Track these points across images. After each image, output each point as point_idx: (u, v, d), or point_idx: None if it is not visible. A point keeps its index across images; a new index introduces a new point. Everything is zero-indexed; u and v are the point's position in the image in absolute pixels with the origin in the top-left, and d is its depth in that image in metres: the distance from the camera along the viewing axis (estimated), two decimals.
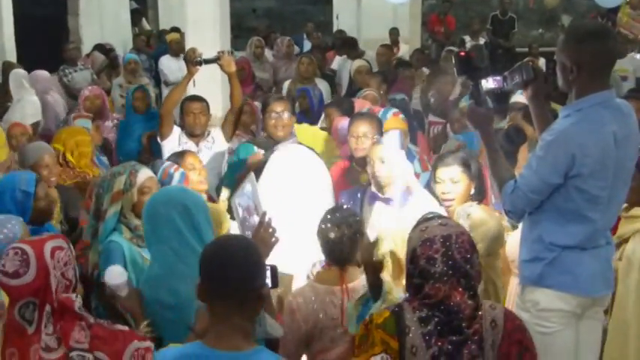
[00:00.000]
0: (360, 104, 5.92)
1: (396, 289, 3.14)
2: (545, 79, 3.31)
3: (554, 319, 3.10)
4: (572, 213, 3.05)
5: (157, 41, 12.53)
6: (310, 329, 3.30)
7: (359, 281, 3.36)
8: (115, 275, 3.10)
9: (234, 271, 2.30)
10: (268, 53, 10.60)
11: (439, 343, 2.48)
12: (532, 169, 3.05)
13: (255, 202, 3.49)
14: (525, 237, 3.20)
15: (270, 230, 3.07)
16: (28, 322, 2.59)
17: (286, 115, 4.91)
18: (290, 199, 3.87)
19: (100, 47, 11.16)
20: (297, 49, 10.89)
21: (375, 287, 3.17)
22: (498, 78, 3.40)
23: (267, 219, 3.11)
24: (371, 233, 4.13)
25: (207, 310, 2.38)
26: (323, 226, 3.42)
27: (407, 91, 7.42)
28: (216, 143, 5.46)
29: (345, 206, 3.57)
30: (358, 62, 8.74)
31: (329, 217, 3.44)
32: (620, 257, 3.65)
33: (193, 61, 5.23)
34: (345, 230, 3.36)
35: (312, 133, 5.50)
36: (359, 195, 4.37)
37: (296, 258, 3.72)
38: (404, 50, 11.58)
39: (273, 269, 2.66)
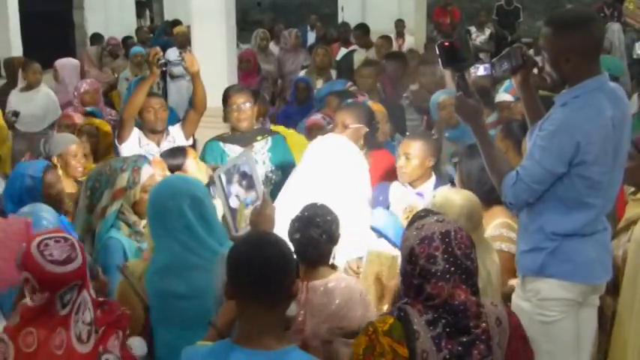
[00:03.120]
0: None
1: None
2: (540, 68, 3.25)
3: (556, 308, 3.09)
4: (574, 200, 3.04)
5: (159, 34, 12.53)
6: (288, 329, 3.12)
7: (322, 282, 3.27)
8: (136, 347, 2.90)
9: (264, 272, 2.25)
10: (273, 46, 10.61)
11: (449, 346, 2.40)
12: (534, 159, 3.01)
13: (255, 178, 3.41)
14: (524, 228, 3.17)
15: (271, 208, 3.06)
16: (62, 305, 2.58)
17: (247, 105, 4.89)
18: (327, 189, 3.75)
19: (96, 37, 11.25)
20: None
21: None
22: (487, 65, 3.37)
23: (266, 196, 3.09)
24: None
25: (237, 308, 2.34)
26: (292, 225, 3.34)
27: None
28: (177, 142, 5.20)
29: (318, 204, 3.42)
30: (361, 54, 8.73)
31: (299, 216, 3.36)
32: (629, 239, 3.64)
33: (157, 63, 5.07)
34: (311, 232, 3.28)
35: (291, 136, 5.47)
36: (389, 187, 4.37)
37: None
38: (409, 42, 11.56)
39: (295, 263, 2.54)
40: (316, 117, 5.66)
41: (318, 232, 3.29)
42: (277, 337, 2.29)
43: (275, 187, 4.54)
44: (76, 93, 6.92)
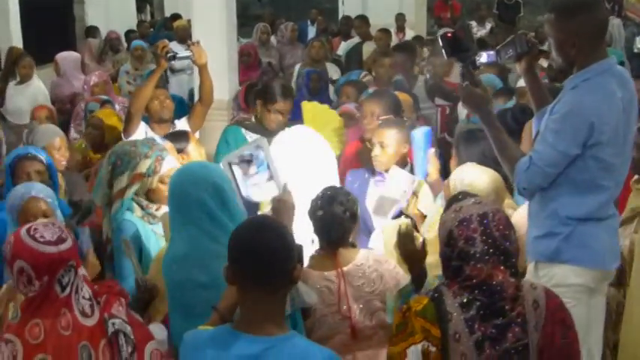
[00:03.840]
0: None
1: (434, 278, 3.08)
2: (546, 55, 3.26)
3: (569, 295, 3.06)
4: (588, 183, 3.04)
5: (159, 28, 12.53)
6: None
7: (354, 264, 3.30)
8: (156, 332, 2.91)
9: (266, 257, 2.25)
10: (274, 40, 10.62)
11: (482, 329, 2.40)
12: (547, 142, 3.01)
13: (273, 169, 3.42)
14: (537, 213, 3.16)
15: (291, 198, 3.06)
16: (62, 288, 2.58)
17: (287, 115, 4.90)
18: (293, 179, 3.78)
19: (91, 30, 11.23)
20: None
21: (418, 278, 3.11)
22: (491, 52, 3.37)
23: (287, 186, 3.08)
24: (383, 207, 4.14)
25: (238, 293, 2.34)
26: (314, 204, 3.37)
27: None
28: None
29: (339, 186, 3.50)
30: (370, 45, 8.73)
31: (320, 195, 3.39)
32: (635, 230, 3.63)
33: (165, 56, 5.05)
34: (335, 209, 3.30)
35: (322, 112, 5.47)
36: (366, 175, 4.40)
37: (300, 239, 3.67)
38: (410, 36, 11.54)
39: (298, 248, 2.56)
40: (349, 105, 5.65)
41: (341, 209, 3.32)
42: (278, 323, 2.29)
43: None
44: (86, 86, 7.02)
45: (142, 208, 3.56)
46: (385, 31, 9.93)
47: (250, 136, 4.86)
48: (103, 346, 2.58)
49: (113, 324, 2.60)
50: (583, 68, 3.05)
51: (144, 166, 3.53)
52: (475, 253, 2.44)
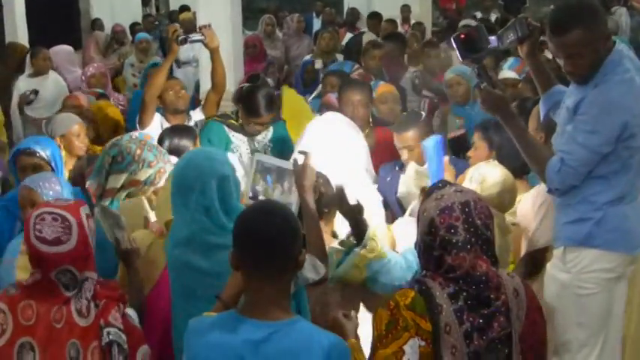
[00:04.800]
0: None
1: (380, 236, 3.05)
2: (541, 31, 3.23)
3: (595, 281, 3.08)
4: (618, 167, 3.05)
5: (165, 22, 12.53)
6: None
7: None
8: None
9: (270, 241, 2.24)
10: (279, 33, 10.61)
11: (470, 319, 2.37)
12: (578, 143, 3.00)
13: (279, 168, 3.36)
14: (566, 200, 3.14)
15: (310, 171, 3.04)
16: (64, 286, 2.57)
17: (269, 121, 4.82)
18: (325, 165, 3.66)
19: (97, 23, 11.24)
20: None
21: (359, 232, 3.04)
22: (493, 38, 3.35)
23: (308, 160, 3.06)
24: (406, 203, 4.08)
25: (243, 278, 2.33)
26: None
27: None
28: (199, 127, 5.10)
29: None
30: (369, 36, 8.70)
31: None
32: None
33: (177, 40, 4.96)
34: None
35: (298, 100, 5.43)
36: (397, 168, 4.40)
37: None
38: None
39: (304, 241, 2.52)
40: (332, 95, 5.63)
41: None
42: (283, 307, 2.29)
43: None
44: (83, 77, 6.96)
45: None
46: (391, 22, 9.91)
47: (233, 135, 4.77)
48: (93, 348, 2.55)
49: (108, 333, 2.54)
50: (599, 65, 3.02)
51: (144, 175, 3.47)
52: (457, 241, 2.39)
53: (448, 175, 4.06)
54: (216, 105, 5.27)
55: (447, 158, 4.14)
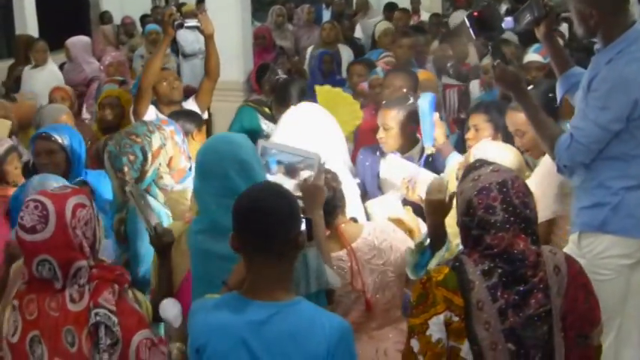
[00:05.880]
0: (383, 67, 5.92)
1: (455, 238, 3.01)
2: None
3: (611, 266, 3.07)
4: (633, 151, 3.02)
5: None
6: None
7: (362, 238, 3.24)
8: (169, 307, 2.90)
9: (269, 222, 2.24)
10: (288, 25, 10.60)
11: (505, 296, 2.36)
12: (589, 119, 2.99)
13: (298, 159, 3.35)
14: (583, 185, 3.12)
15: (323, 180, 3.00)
16: (51, 280, 2.53)
17: None
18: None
19: (105, 16, 11.25)
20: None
21: (436, 235, 3.02)
22: (509, 19, 3.33)
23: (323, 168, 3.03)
24: (385, 188, 4.12)
25: (244, 260, 2.33)
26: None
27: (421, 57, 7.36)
28: None
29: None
30: (384, 24, 8.68)
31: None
32: None
33: (173, 24, 4.87)
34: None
35: (335, 95, 5.44)
36: (377, 153, 4.35)
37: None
38: (425, 18, 11.48)
39: (309, 222, 2.55)
40: (363, 84, 5.64)
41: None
42: (285, 288, 2.29)
43: None
44: (102, 67, 6.99)
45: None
46: (404, 11, 9.90)
47: (265, 123, 4.81)
48: (87, 334, 2.51)
49: (96, 314, 2.48)
50: (609, 41, 3.02)
51: (157, 139, 3.45)
52: (496, 222, 2.39)
53: (439, 132, 4.14)
54: (210, 93, 5.21)
55: (437, 114, 4.17)
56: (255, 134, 4.65)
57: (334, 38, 8.33)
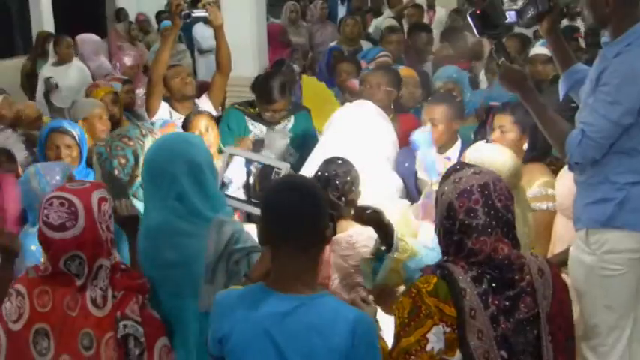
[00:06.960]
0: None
1: (408, 236, 3.01)
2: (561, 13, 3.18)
3: (620, 261, 3.05)
4: (637, 144, 3.00)
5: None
6: None
7: (345, 234, 3.23)
8: None
9: (300, 214, 2.25)
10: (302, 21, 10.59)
11: (496, 302, 2.32)
12: (599, 114, 2.96)
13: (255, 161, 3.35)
14: (587, 180, 3.10)
15: None
16: (76, 275, 2.53)
17: (282, 113, 4.77)
18: (353, 152, 3.66)
19: (120, 13, 11.26)
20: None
21: (387, 238, 3.00)
22: (512, 13, 3.30)
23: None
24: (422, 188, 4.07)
25: (270, 253, 2.34)
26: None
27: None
28: None
29: (337, 161, 3.38)
30: (389, 21, 8.66)
31: (317, 175, 3.33)
32: None
33: (180, 14, 4.87)
34: (328, 195, 3.20)
35: (321, 90, 5.40)
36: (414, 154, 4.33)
37: None
38: (441, 14, 11.42)
39: (332, 216, 2.54)
40: (354, 81, 5.60)
41: (336, 195, 3.27)
42: (310, 282, 2.29)
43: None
44: (118, 64, 7.01)
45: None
46: (417, 7, 9.85)
47: (253, 124, 4.76)
48: (108, 339, 2.51)
49: (125, 326, 2.51)
50: (619, 33, 3.00)
51: (149, 143, 3.38)
52: (477, 225, 2.34)
53: (442, 168, 3.94)
54: (222, 87, 5.19)
55: (435, 149, 4.02)
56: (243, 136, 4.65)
57: (357, 34, 8.15)
